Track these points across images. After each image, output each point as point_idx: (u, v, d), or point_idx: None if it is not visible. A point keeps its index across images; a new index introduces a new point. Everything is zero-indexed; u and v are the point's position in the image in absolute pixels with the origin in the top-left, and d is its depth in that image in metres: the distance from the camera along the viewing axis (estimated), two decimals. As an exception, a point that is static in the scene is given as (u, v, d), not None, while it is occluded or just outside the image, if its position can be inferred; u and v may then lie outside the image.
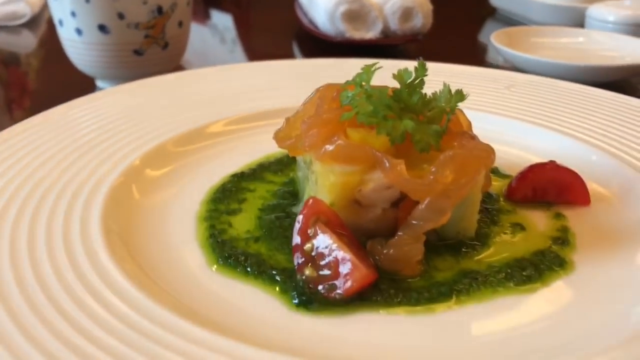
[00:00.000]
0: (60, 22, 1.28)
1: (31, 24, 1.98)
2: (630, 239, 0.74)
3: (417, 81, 0.72)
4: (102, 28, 1.25)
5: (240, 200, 0.81)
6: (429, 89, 0.73)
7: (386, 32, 1.64)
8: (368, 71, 0.74)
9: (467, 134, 0.72)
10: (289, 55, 1.88)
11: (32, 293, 0.58)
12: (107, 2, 1.22)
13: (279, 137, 0.79)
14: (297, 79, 1.18)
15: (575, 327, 0.59)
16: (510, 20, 2.19)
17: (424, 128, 0.68)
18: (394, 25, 1.63)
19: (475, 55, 1.87)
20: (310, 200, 0.67)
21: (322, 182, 0.68)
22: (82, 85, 1.38)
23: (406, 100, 0.70)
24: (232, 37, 2.17)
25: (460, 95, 0.72)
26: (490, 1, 2.29)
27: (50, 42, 1.90)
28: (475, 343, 0.58)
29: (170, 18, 1.30)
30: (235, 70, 1.25)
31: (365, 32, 1.63)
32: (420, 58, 0.73)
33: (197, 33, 2.09)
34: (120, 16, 1.24)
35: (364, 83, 0.73)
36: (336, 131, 0.70)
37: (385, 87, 0.72)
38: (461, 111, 0.79)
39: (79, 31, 1.26)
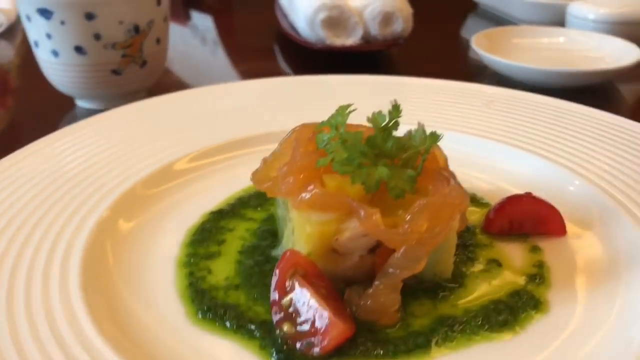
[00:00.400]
0: (36, 44, 1.27)
1: (7, 33, 1.95)
2: (604, 273, 0.75)
3: (391, 124, 0.72)
4: (78, 49, 1.24)
5: (220, 242, 0.81)
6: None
7: (367, 38, 1.63)
8: (343, 113, 0.74)
9: (441, 175, 0.72)
10: (270, 56, 1.87)
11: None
12: (82, 24, 1.21)
13: (256, 178, 0.79)
14: (272, 101, 1.18)
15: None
16: (491, 16, 2.18)
17: (399, 174, 0.68)
18: (375, 30, 1.62)
19: (457, 55, 1.86)
20: (287, 253, 0.67)
21: (299, 233, 0.69)
22: (61, 102, 1.37)
23: (381, 146, 0.70)
24: (213, 37, 2.16)
25: (434, 137, 0.72)
26: (472, -5, 2.28)
27: (28, 52, 1.87)
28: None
29: (148, 36, 1.29)
30: (204, 94, 1.24)
31: (345, 39, 1.62)
32: (395, 100, 0.73)
33: (178, 34, 2.08)
34: (97, 37, 1.23)
35: (339, 126, 0.73)
36: (312, 178, 0.70)
37: (360, 131, 0.72)
38: (437, 146, 0.79)
39: (55, 53, 1.25)
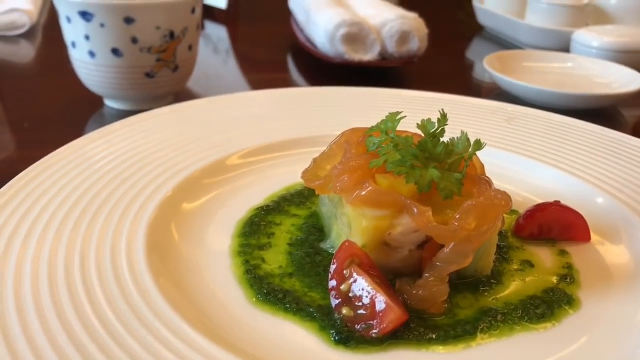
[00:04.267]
0: (73, 44, 1.32)
1: (28, 33, 1.99)
2: (629, 275, 0.82)
3: (439, 130, 0.78)
4: (115, 51, 1.29)
5: (269, 235, 0.87)
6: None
7: (383, 55, 1.70)
8: (393, 119, 0.80)
9: (483, 180, 0.78)
10: (283, 68, 1.93)
11: (87, 317, 0.65)
12: (121, 27, 1.26)
13: (306, 177, 0.84)
14: (306, 108, 1.24)
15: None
16: (497, 39, 2.27)
17: (448, 176, 0.74)
18: (391, 48, 1.69)
19: (465, 75, 1.94)
20: (345, 243, 0.73)
21: (355, 226, 0.74)
22: (90, 101, 1.41)
23: (431, 150, 0.76)
24: (226, 47, 2.21)
25: (478, 144, 0.78)
26: (478, 20, 2.37)
27: (49, 52, 1.92)
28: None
29: (181, 42, 1.35)
30: (244, 99, 1.30)
31: (363, 54, 1.68)
32: (442, 109, 0.79)
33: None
34: (134, 40, 1.28)
35: (389, 131, 0.79)
36: (366, 177, 0.76)
37: (410, 136, 0.78)
38: (475, 154, 0.85)
39: (91, 54, 1.29)
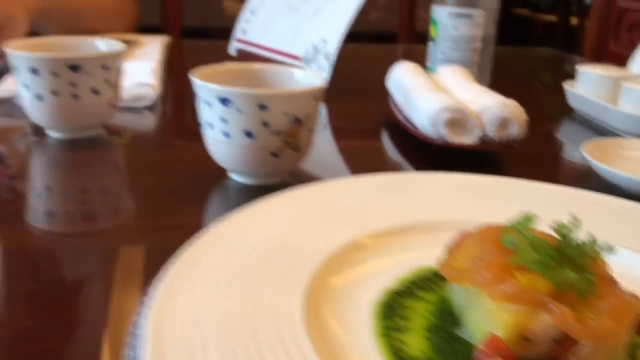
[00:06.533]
0: (211, 125, 1.47)
1: (151, 106, 2.19)
2: None
3: (572, 234, 0.87)
4: (248, 134, 1.43)
5: (405, 318, 0.95)
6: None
7: (483, 139, 1.80)
8: (528, 220, 0.89)
9: (612, 279, 0.85)
10: (378, 142, 2.04)
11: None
12: (255, 113, 1.40)
13: (443, 267, 0.93)
14: (417, 195, 1.33)
15: None
16: (587, 122, 2.31)
17: (583, 277, 0.82)
18: (492, 132, 1.78)
19: (559, 159, 2.01)
20: (492, 336, 0.81)
21: (497, 320, 0.82)
22: (215, 173, 1.55)
23: (566, 252, 0.84)
24: (324, 123, 2.35)
25: (609, 249, 0.85)
26: (569, 102, 2.43)
27: (170, 123, 2.11)
28: None
29: (304, 126, 1.48)
30: (371, 182, 1.40)
31: (464, 137, 1.78)
32: (573, 213, 0.88)
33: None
34: (265, 124, 1.42)
35: (525, 230, 0.88)
36: (504, 273, 0.84)
37: (546, 237, 0.86)
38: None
39: (226, 134, 1.44)
